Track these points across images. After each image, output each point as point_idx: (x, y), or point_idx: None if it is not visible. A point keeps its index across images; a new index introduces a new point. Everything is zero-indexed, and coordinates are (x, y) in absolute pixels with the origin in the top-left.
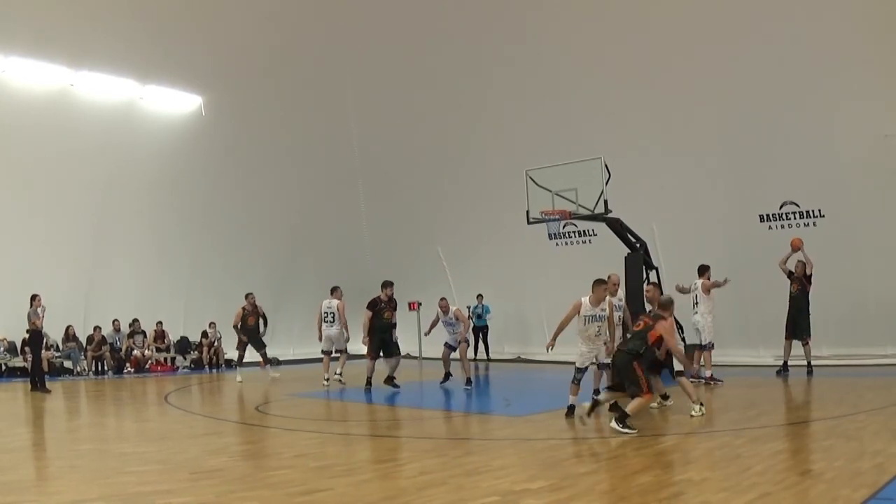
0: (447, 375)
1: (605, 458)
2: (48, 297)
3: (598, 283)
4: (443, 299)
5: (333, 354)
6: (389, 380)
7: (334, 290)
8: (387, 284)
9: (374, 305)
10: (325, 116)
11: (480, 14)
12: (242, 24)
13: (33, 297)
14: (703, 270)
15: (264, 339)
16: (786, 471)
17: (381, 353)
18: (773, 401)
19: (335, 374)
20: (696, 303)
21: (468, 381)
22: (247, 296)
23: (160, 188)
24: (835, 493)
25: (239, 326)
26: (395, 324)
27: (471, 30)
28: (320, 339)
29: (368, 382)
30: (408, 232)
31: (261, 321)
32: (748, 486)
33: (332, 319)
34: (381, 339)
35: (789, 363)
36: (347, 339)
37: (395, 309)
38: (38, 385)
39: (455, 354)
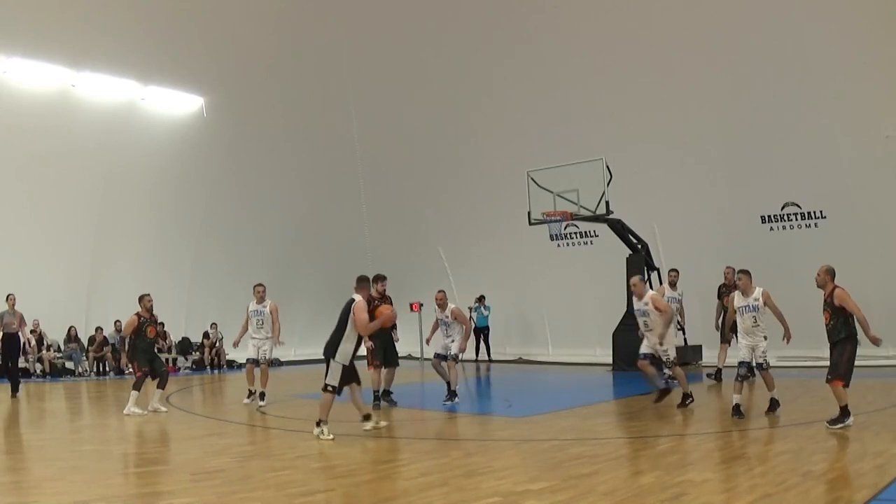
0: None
1: (607, 460)
2: (50, 297)
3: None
4: (440, 292)
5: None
6: (386, 394)
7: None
8: (378, 278)
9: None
10: (327, 117)
11: (482, 15)
12: (243, 25)
13: (8, 297)
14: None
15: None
16: (787, 472)
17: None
18: None
19: (260, 402)
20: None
21: (452, 394)
22: (141, 298)
23: (161, 189)
24: (836, 494)
25: (132, 340)
26: (394, 324)
27: (472, 31)
28: (237, 345)
29: (377, 398)
30: (409, 232)
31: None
32: (749, 486)
33: (262, 324)
34: (382, 344)
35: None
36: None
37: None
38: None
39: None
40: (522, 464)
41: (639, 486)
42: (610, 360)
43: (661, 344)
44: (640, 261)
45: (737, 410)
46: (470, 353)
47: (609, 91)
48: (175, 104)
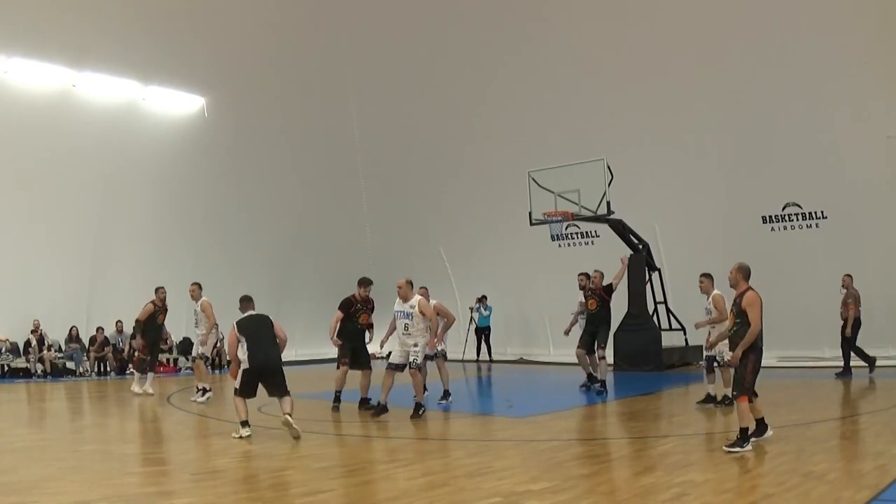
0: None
1: (608, 460)
2: (50, 297)
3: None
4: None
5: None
6: (364, 402)
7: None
8: (364, 282)
9: (347, 306)
10: (328, 117)
11: (483, 15)
12: (245, 26)
13: None
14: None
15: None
16: (788, 472)
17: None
18: (773, 402)
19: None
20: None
21: (446, 394)
22: (157, 290)
23: (162, 189)
24: (837, 494)
25: (143, 323)
26: (370, 324)
27: (474, 31)
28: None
29: (337, 399)
30: (409, 232)
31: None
32: (750, 487)
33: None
34: (353, 347)
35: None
36: (215, 344)
37: (371, 311)
38: None
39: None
40: (523, 464)
41: (640, 487)
42: (611, 360)
43: (415, 345)
44: (641, 261)
45: (708, 398)
46: (471, 354)
47: (610, 91)
48: (176, 104)
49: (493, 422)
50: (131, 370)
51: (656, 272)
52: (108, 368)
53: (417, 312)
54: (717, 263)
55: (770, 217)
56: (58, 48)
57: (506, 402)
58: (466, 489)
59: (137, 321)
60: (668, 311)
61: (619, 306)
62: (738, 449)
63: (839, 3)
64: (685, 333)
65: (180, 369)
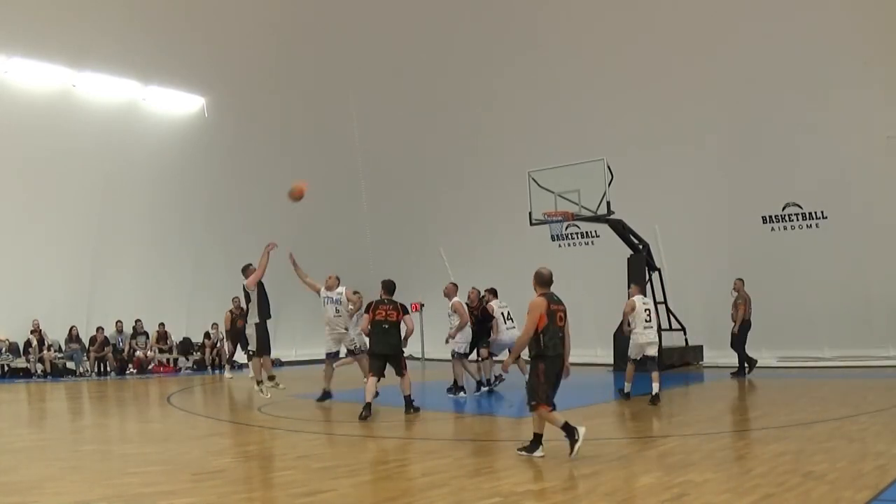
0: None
1: (608, 460)
2: (50, 297)
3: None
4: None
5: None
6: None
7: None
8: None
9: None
10: (328, 117)
11: (483, 16)
12: (245, 26)
13: None
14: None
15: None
16: (788, 472)
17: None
18: (774, 402)
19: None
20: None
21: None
22: (234, 300)
23: (162, 189)
24: (837, 494)
25: (229, 329)
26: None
27: (475, 32)
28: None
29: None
30: (410, 232)
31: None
32: (750, 487)
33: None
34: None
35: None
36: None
37: (403, 311)
38: None
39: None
40: (523, 464)
41: (640, 487)
42: (611, 360)
43: (345, 329)
44: (641, 261)
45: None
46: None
47: (611, 92)
48: (176, 104)
49: (493, 422)
50: (131, 370)
51: (656, 272)
52: (108, 368)
53: (345, 298)
54: (716, 263)
55: (770, 217)
56: (58, 48)
57: (506, 401)
58: (467, 489)
59: (227, 330)
60: (669, 311)
61: (619, 306)
62: (525, 453)
63: (839, 3)
64: (685, 333)
65: (180, 369)
